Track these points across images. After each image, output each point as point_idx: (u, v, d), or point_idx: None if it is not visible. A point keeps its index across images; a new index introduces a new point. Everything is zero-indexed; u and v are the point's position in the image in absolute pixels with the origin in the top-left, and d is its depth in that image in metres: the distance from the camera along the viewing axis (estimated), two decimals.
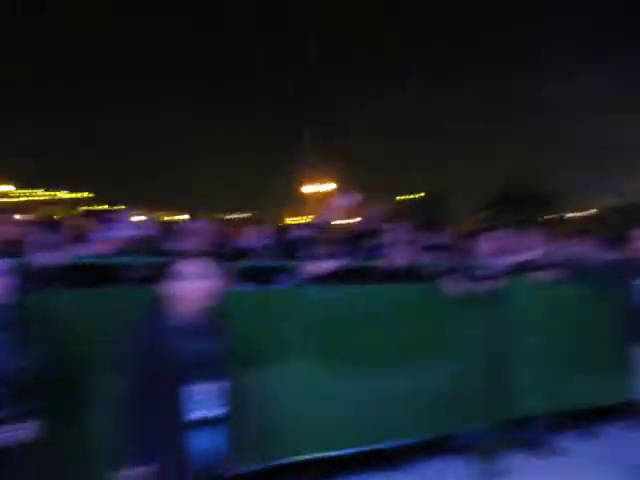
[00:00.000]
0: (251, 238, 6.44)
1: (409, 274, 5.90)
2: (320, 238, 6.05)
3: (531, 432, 6.26)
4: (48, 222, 6.56)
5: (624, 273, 5.79)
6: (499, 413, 5.80)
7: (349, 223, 7.82)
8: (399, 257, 6.03)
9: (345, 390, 5.28)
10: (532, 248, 6.42)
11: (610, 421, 6.76)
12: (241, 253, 6.02)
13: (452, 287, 5.70)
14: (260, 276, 5.55)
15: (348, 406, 5.28)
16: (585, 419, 6.63)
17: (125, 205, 9.92)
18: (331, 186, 18.88)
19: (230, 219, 11.06)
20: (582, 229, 8.76)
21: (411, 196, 42.43)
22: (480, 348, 5.72)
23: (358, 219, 7.62)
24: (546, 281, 6.31)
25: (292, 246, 6.21)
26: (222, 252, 5.46)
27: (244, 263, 5.70)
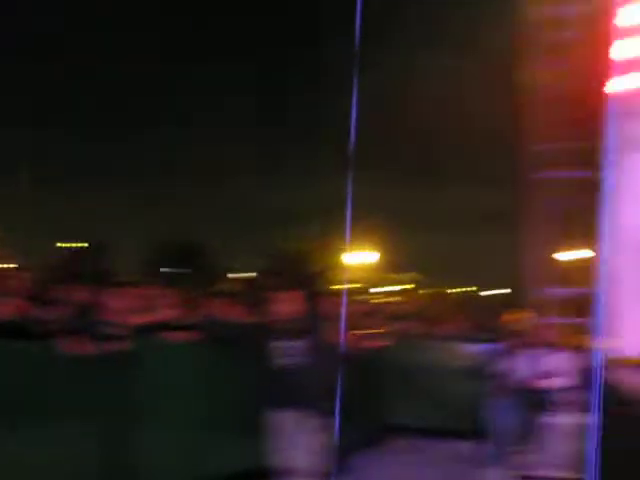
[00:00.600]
0: None
1: (18, 329, 5.08)
2: None
3: None
4: None
5: (264, 336, 5.75)
6: None
7: None
8: (5, 309, 5.20)
9: None
10: (169, 307, 6.06)
11: None
12: None
13: (72, 346, 5.05)
14: None
15: None
16: None
17: None
18: None
19: None
20: (228, 291, 8.71)
21: (74, 244, 40.66)
22: (105, 413, 5.21)
23: None
24: (180, 343, 5.99)
25: None
26: None
27: None
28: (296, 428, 5.52)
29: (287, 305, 5.76)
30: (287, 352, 5.62)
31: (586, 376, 7.22)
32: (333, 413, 5.47)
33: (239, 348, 5.87)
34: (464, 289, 37.76)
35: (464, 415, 8.39)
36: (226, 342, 5.96)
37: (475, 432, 7.93)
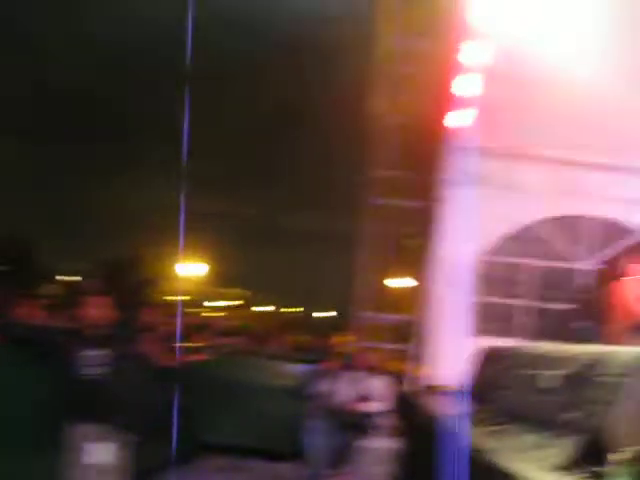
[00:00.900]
0: None
1: None
2: None
3: None
4: None
5: (69, 342, 5.32)
6: None
7: None
8: None
9: None
10: None
11: None
12: None
13: None
14: None
15: None
16: None
17: None
18: None
19: None
20: (41, 293, 8.06)
21: None
22: None
23: None
24: None
25: None
26: None
27: None
28: (96, 444, 5.12)
29: (96, 311, 5.33)
30: (93, 361, 5.20)
31: (402, 401, 7.35)
32: (137, 429, 5.13)
33: (40, 353, 5.37)
34: (294, 309, 38.16)
35: (283, 435, 8.29)
36: (25, 346, 5.45)
37: (293, 453, 7.85)
